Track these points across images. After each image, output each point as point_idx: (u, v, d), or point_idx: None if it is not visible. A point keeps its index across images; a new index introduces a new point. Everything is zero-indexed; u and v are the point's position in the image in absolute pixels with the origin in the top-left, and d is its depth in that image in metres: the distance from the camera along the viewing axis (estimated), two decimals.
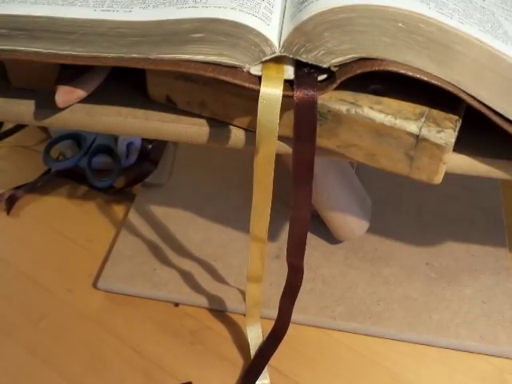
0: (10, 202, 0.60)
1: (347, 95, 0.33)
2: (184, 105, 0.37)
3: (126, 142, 0.64)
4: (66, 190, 0.62)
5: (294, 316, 0.44)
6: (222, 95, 0.35)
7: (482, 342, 0.47)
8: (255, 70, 0.33)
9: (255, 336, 0.47)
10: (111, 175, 0.61)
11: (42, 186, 0.62)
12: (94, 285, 0.53)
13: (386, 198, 0.59)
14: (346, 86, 0.32)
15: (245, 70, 0.32)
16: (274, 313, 0.44)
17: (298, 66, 0.33)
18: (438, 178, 0.33)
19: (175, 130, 0.36)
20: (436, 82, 0.31)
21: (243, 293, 0.51)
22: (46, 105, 0.37)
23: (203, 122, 0.36)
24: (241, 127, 0.36)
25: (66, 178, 0.63)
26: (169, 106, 0.37)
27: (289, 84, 0.32)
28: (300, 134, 0.33)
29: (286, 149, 0.35)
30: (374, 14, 0.32)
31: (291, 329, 0.44)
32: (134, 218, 0.58)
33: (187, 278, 0.52)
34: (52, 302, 0.52)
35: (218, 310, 0.51)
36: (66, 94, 0.36)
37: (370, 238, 0.55)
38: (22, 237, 0.58)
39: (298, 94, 0.31)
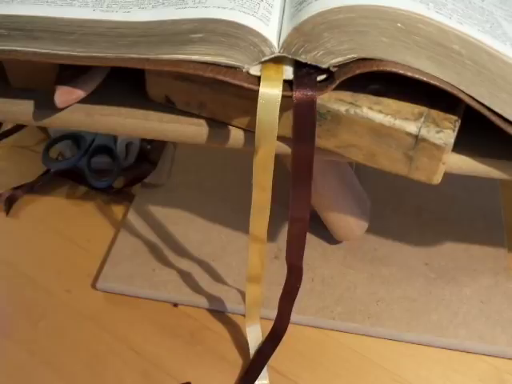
0: (9, 203, 0.60)
1: (346, 95, 0.33)
2: (183, 105, 0.37)
3: (125, 142, 0.64)
4: (65, 190, 0.62)
5: (294, 316, 0.44)
6: (222, 95, 0.35)
7: (481, 342, 0.47)
8: (254, 70, 0.33)
9: (255, 336, 0.47)
10: (110, 175, 0.61)
11: (41, 186, 0.62)
12: (93, 285, 0.53)
13: (386, 198, 0.59)
14: (345, 86, 0.32)
15: (244, 70, 0.32)
16: (273, 313, 0.44)
17: (297, 66, 0.33)
18: (437, 178, 0.33)
19: (174, 130, 0.36)
20: (435, 82, 0.31)
21: (242, 293, 0.51)
22: (46, 105, 0.37)
23: (202, 122, 0.36)
24: (240, 127, 0.36)
25: (66, 178, 0.63)
26: (168, 106, 0.37)
27: (288, 84, 0.32)
28: (299, 134, 0.33)
29: (286, 149, 0.35)
30: (373, 15, 0.32)
31: (290, 329, 0.44)
32: (133, 218, 0.58)
33: (186, 278, 0.52)
34: (51, 303, 0.52)
35: (218, 311, 0.51)
36: (65, 94, 0.36)
37: (369, 238, 0.55)
38: (21, 237, 0.58)
39: (297, 94, 0.31)
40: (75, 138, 0.63)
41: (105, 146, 0.63)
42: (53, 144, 0.62)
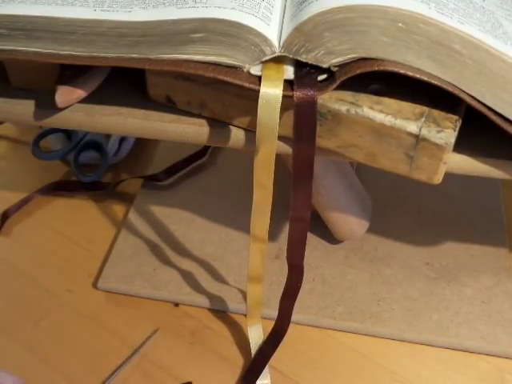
0: (2, 220, 0.59)
1: (347, 95, 0.33)
2: (184, 105, 0.37)
3: (118, 138, 0.63)
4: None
5: (294, 316, 0.44)
6: (222, 95, 0.35)
7: (482, 342, 0.47)
8: (255, 70, 0.33)
9: (256, 336, 0.47)
10: (97, 170, 0.61)
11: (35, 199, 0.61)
12: (94, 285, 0.53)
13: (386, 197, 0.59)
14: (346, 86, 0.32)
15: (245, 70, 0.32)
16: (274, 313, 0.44)
17: (298, 66, 0.33)
18: (438, 178, 0.33)
19: (175, 129, 0.36)
20: (436, 82, 0.31)
21: (243, 293, 0.51)
22: (46, 105, 0.37)
23: (203, 122, 0.36)
24: (241, 127, 0.36)
25: (61, 191, 0.62)
26: (169, 106, 0.37)
27: (289, 84, 0.32)
28: (300, 134, 0.33)
29: (286, 149, 0.35)
30: (374, 14, 0.32)
31: (291, 329, 0.44)
32: (134, 217, 0.58)
33: (187, 278, 0.52)
34: (52, 302, 0.52)
35: (219, 310, 0.51)
36: (65, 94, 0.36)
37: (370, 238, 0.55)
38: (22, 237, 0.58)
39: (297, 94, 0.31)
40: (67, 130, 0.63)
41: (95, 142, 0.62)
42: (43, 136, 0.61)
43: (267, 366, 0.46)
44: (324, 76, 0.32)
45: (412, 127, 0.31)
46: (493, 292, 0.51)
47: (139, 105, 0.37)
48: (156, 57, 0.32)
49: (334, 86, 0.31)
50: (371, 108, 0.32)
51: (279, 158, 0.36)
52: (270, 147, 0.33)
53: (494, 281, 0.52)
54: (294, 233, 0.38)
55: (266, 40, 0.33)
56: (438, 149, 0.31)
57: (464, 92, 0.31)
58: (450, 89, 0.31)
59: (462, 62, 0.32)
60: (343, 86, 0.32)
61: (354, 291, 0.51)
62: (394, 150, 0.33)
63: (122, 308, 0.51)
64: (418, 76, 0.30)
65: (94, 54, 0.33)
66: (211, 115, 0.36)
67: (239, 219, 0.57)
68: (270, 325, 0.45)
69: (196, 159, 0.63)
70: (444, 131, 0.31)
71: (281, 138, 0.34)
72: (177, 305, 0.52)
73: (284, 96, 0.32)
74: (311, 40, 0.32)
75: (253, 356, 0.46)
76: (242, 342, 0.49)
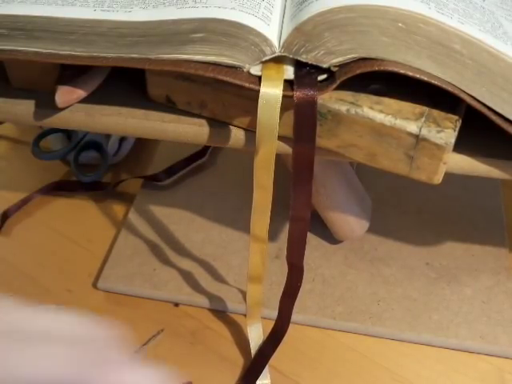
0: (2, 220, 0.59)
1: (347, 95, 0.33)
2: (184, 105, 0.37)
3: (118, 138, 0.63)
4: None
5: (294, 316, 0.44)
6: (222, 95, 0.35)
7: (482, 342, 0.47)
8: (255, 70, 0.33)
9: (256, 336, 0.47)
10: (97, 170, 0.61)
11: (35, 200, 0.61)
12: (94, 285, 0.53)
13: (386, 197, 0.59)
14: (346, 86, 0.32)
15: (245, 70, 0.32)
16: (274, 313, 0.44)
17: (298, 66, 0.33)
18: (438, 178, 0.33)
19: (175, 130, 0.36)
20: (436, 82, 0.31)
21: (243, 293, 0.51)
22: (46, 105, 0.37)
23: (203, 122, 0.36)
24: (241, 127, 0.36)
25: (60, 191, 0.62)
26: (169, 106, 0.37)
27: (289, 84, 0.32)
28: (300, 134, 0.33)
29: (286, 149, 0.35)
30: (374, 14, 0.32)
31: (291, 329, 0.44)
32: (134, 217, 0.58)
33: (187, 278, 0.52)
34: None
35: (219, 310, 0.51)
36: (66, 94, 0.36)
37: (369, 238, 0.55)
38: (22, 237, 0.58)
39: (297, 94, 0.31)
40: (67, 130, 0.63)
41: (95, 142, 0.62)
42: (43, 136, 0.61)
43: (267, 366, 0.46)
44: (324, 76, 0.32)
45: (412, 127, 0.31)
46: (493, 292, 0.51)
47: (139, 105, 0.37)
48: (156, 57, 0.32)
49: (334, 85, 0.31)
50: (371, 108, 0.32)
51: (279, 157, 0.36)
52: (270, 147, 0.33)
53: (493, 281, 0.52)
54: (294, 233, 0.38)
55: (266, 40, 0.33)
56: (437, 149, 0.31)
57: (464, 92, 0.31)
58: (450, 89, 0.31)
59: (462, 62, 0.32)
60: (343, 86, 0.32)
61: (353, 291, 0.51)
62: (394, 150, 0.33)
63: (122, 308, 0.51)
64: (417, 76, 0.30)
65: (94, 54, 0.33)
66: (211, 115, 0.36)
67: (239, 219, 0.57)
68: (270, 325, 0.45)
69: (196, 159, 0.63)
70: (444, 131, 0.31)
71: (281, 138, 0.34)
72: (177, 305, 0.52)
73: (284, 96, 0.32)
74: (311, 40, 0.32)
75: (253, 356, 0.46)
76: (242, 342, 0.49)
